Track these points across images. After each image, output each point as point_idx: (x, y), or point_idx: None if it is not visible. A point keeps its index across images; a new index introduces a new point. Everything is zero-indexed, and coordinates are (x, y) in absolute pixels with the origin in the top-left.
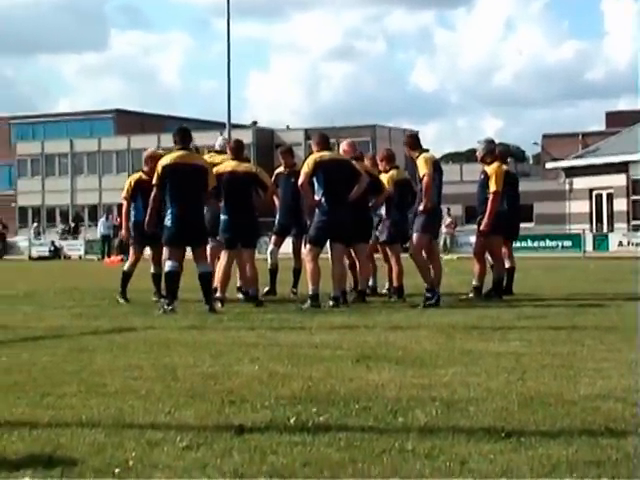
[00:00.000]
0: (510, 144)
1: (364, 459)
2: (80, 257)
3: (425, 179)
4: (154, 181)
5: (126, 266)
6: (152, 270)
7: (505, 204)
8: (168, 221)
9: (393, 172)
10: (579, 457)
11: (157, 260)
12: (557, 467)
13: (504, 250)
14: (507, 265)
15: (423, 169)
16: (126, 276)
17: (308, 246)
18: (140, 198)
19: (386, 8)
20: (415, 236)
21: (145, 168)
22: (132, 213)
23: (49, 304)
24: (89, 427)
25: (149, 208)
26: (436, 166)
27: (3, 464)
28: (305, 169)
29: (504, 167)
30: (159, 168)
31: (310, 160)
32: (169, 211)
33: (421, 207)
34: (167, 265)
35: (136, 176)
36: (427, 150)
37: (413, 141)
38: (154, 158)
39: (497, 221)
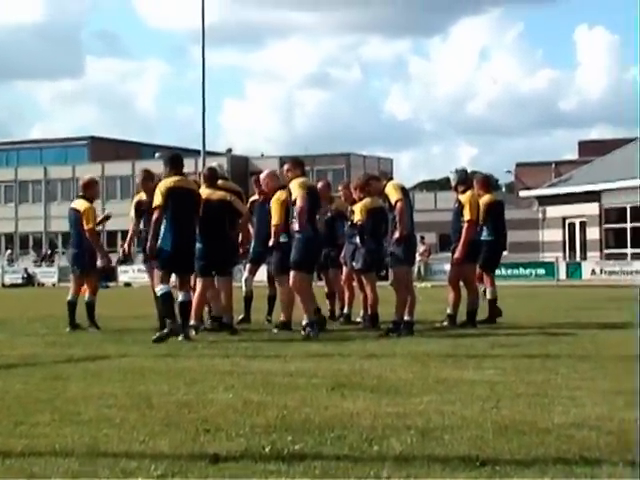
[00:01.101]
0: (484, 172)
1: None
2: (54, 284)
3: (399, 205)
4: (157, 203)
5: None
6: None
7: (487, 233)
8: (166, 245)
9: (366, 200)
10: None
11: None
12: None
13: (487, 280)
14: (489, 297)
15: (394, 196)
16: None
17: (293, 272)
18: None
19: (362, 37)
20: (396, 269)
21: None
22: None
23: (22, 331)
24: (63, 456)
25: (151, 232)
26: (405, 192)
27: None
28: (301, 192)
29: (491, 196)
30: (162, 190)
31: (302, 184)
32: (168, 235)
33: (397, 235)
34: (162, 289)
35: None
36: (392, 178)
37: (377, 176)
38: (92, 184)
39: (471, 249)
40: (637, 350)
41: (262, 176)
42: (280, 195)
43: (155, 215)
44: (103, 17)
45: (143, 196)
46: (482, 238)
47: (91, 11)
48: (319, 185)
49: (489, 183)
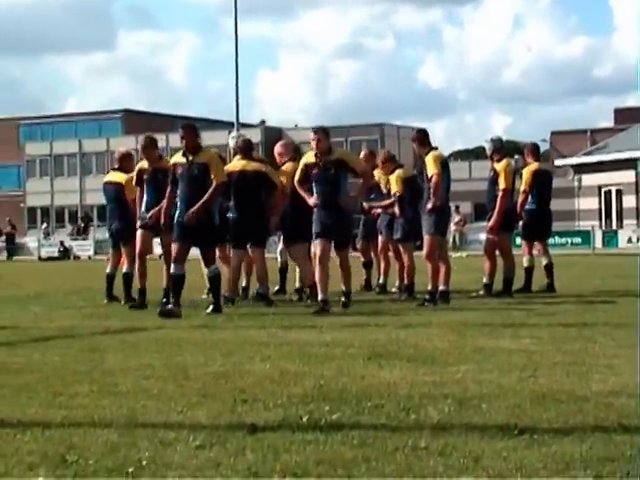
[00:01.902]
0: (518, 141)
1: (377, 457)
2: (89, 257)
3: (434, 178)
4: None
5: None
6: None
7: (532, 202)
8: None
9: (399, 171)
10: (593, 454)
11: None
12: (570, 464)
13: (539, 248)
14: (544, 262)
15: (432, 168)
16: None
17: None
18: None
19: (393, 5)
20: (427, 238)
21: (117, 166)
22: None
23: (59, 304)
24: (102, 427)
25: (165, 206)
26: (444, 164)
27: (17, 464)
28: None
29: (538, 165)
30: (170, 165)
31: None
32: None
33: (429, 205)
34: (175, 268)
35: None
36: (436, 148)
37: (422, 137)
38: (128, 156)
39: (507, 218)
40: None
41: (277, 145)
42: (288, 167)
43: (168, 190)
44: None
45: (145, 164)
46: (527, 207)
47: None
48: (362, 154)
49: (537, 152)
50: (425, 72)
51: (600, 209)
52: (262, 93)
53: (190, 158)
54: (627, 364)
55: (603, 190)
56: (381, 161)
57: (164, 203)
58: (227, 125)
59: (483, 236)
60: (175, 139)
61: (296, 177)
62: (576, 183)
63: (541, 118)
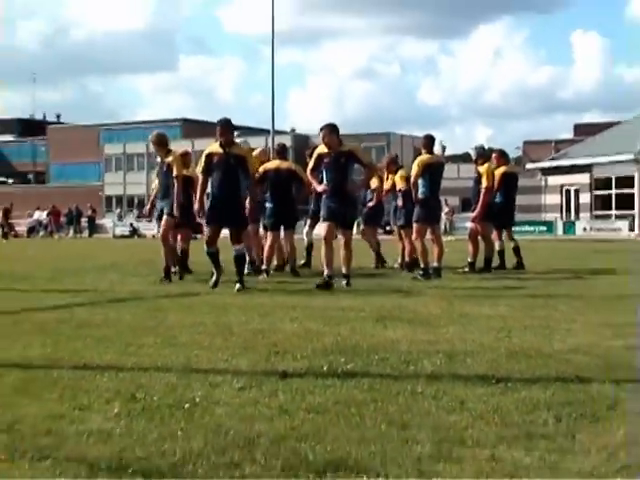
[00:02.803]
0: (497, 148)
1: (382, 399)
2: (153, 236)
3: (412, 179)
4: (199, 169)
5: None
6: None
7: (499, 197)
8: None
9: (401, 171)
10: (554, 399)
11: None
12: (537, 406)
13: (506, 233)
14: (512, 245)
15: (412, 171)
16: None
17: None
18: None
19: (398, 39)
20: (414, 226)
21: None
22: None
23: (130, 273)
24: (164, 371)
25: (199, 193)
26: (427, 166)
27: (97, 399)
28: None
29: (505, 168)
30: (203, 157)
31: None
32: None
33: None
34: (208, 248)
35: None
36: (432, 153)
37: (426, 142)
38: (186, 155)
39: (487, 210)
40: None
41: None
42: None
43: (200, 180)
44: (193, 24)
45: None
46: (495, 200)
47: (184, 19)
48: (385, 160)
49: (505, 157)
50: (423, 92)
51: (561, 204)
52: (293, 107)
53: (227, 149)
54: (582, 328)
55: (564, 189)
56: (386, 163)
57: (198, 190)
58: (264, 132)
59: (468, 224)
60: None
61: (310, 165)
62: (543, 183)
63: (516, 130)
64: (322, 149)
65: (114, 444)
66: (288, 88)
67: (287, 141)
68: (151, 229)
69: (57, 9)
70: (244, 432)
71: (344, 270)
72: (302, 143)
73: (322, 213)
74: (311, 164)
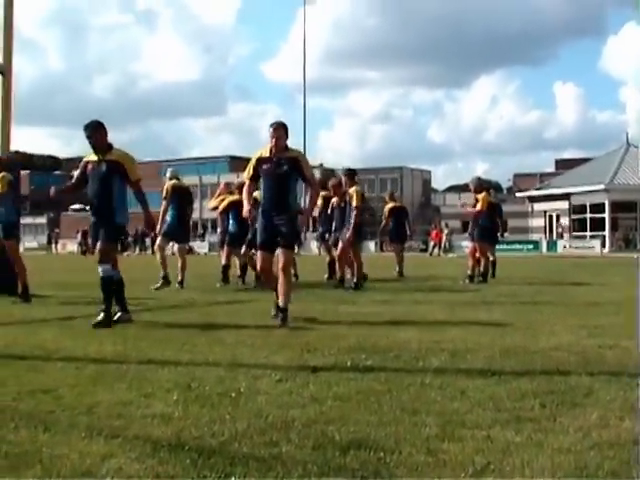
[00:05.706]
0: (492, 180)
1: (397, 389)
2: (205, 254)
3: (354, 211)
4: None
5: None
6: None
7: (488, 221)
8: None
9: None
10: (540, 388)
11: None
12: (525, 395)
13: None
14: (491, 259)
15: (354, 201)
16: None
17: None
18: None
19: (411, 88)
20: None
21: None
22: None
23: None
24: (213, 366)
25: (245, 200)
26: (363, 196)
27: (158, 388)
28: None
29: (489, 198)
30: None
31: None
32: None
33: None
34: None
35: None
36: (357, 183)
37: (351, 175)
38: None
39: (482, 231)
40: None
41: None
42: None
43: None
44: (239, 75)
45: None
46: (482, 225)
47: (231, 71)
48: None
49: (489, 192)
50: (432, 132)
51: (545, 226)
52: (322, 144)
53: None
54: (563, 329)
55: (547, 214)
56: (337, 183)
57: (245, 199)
58: None
59: (467, 243)
60: None
61: (246, 173)
62: (529, 209)
63: (508, 165)
64: (263, 152)
65: (173, 426)
66: (318, 129)
67: (316, 174)
68: (203, 248)
69: (129, 64)
70: (281, 417)
71: (281, 302)
72: (329, 176)
73: (258, 239)
74: (248, 171)
